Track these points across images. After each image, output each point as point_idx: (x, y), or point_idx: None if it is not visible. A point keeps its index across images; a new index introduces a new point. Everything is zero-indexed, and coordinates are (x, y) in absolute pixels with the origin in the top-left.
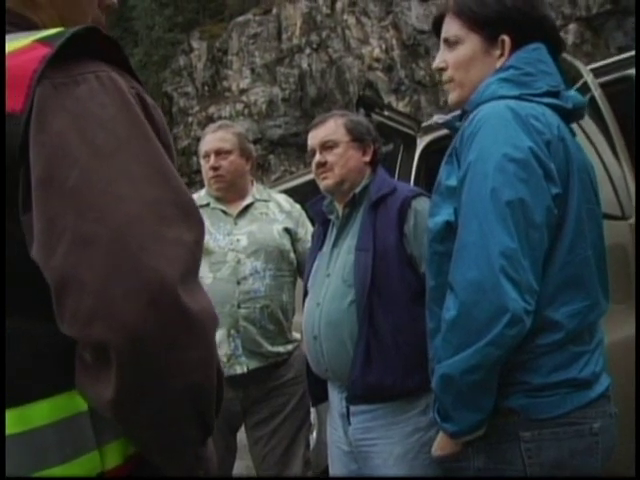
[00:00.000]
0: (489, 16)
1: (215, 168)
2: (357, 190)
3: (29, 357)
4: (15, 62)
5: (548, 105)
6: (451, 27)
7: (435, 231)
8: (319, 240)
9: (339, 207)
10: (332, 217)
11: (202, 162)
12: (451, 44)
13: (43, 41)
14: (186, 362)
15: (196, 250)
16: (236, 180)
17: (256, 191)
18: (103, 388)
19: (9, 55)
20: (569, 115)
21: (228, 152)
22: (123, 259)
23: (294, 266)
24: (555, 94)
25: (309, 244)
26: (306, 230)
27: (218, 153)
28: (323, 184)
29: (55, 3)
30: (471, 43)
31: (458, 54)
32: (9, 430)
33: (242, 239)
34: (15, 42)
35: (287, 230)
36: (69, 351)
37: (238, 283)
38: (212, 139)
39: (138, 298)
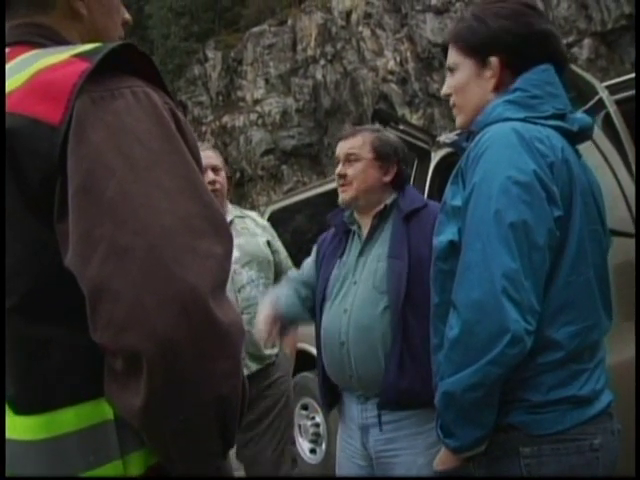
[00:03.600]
0: (478, 41)
1: (214, 182)
2: (388, 202)
3: (58, 364)
4: (54, 75)
5: (553, 127)
6: (450, 55)
7: (439, 249)
8: (338, 249)
9: (361, 218)
10: (354, 228)
11: None
12: (451, 71)
13: (81, 56)
14: (215, 373)
15: (226, 263)
16: (225, 196)
17: (231, 209)
18: (132, 396)
19: (47, 69)
20: (575, 137)
21: (220, 169)
22: (157, 270)
23: (274, 274)
24: (561, 116)
25: (282, 255)
26: (277, 240)
27: (214, 169)
28: (340, 197)
29: (93, 15)
30: (465, 68)
31: (456, 80)
32: (35, 436)
33: (234, 251)
34: (52, 56)
35: (268, 243)
36: (97, 359)
37: (238, 291)
38: (206, 156)
39: (171, 308)
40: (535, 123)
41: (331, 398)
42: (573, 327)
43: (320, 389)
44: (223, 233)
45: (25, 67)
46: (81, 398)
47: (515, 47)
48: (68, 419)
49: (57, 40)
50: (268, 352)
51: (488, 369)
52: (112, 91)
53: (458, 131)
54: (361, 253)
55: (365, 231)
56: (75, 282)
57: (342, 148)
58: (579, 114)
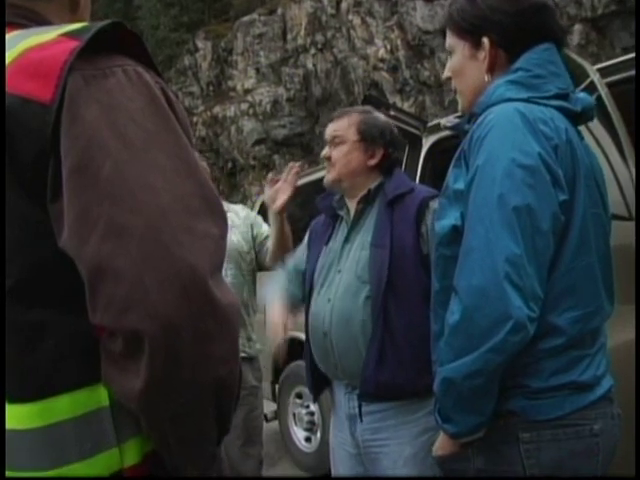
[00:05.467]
0: (468, 21)
1: None
2: (372, 186)
3: (53, 350)
4: (43, 54)
5: (557, 108)
6: (447, 38)
7: (442, 235)
8: (325, 233)
9: (349, 203)
10: (342, 213)
11: None
12: (450, 54)
13: (69, 35)
14: (214, 355)
15: (222, 244)
16: None
17: None
18: (132, 379)
19: (35, 47)
20: (578, 117)
21: None
22: (156, 250)
23: (253, 265)
24: (564, 96)
25: (266, 234)
26: (260, 225)
27: None
28: (325, 178)
29: (84, 9)
30: (460, 51)
31: (452, 63)
32: (29, 424)
33: None
34: (39, 35)
35: (245, 234)
36: (92, 345)
37: None
38: None
39: (172, 288)
40: (538, 103)
41: (318, 385)
42: (575, 312)
43: (307, 376)
44: (218, 214)
45: (12, 46)
46: (76, 385)
47: (505, 25)
48: (63, 406)
49: (41, 23)
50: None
51: (489, 356)
52: (104, 70)
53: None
54: (346, 240)
55: (351, 210)
56: (69, 265)
57: (329, 129)
58: (581, 94)
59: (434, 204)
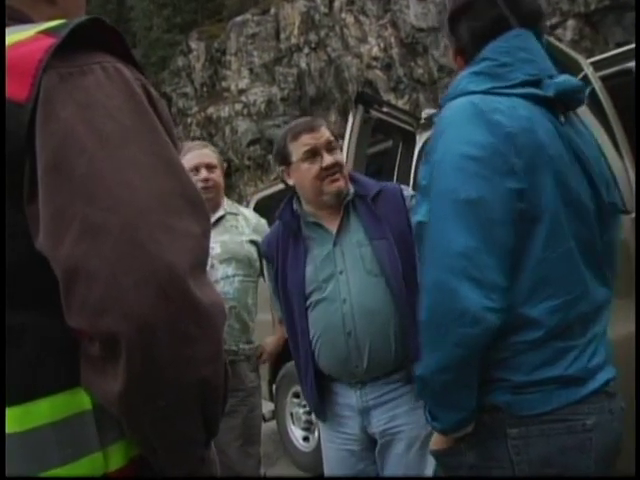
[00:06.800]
0: (445, 26)
1: (207, 180)
2: (351, 190)
3: (33, 353)
4: (19, 52)
5: (521, 95)
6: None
7: (415, 231)
8: (299, 245)
9: (316, 211)
10: (310, 219)
11: None
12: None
13: (47, 32)
14: (195, 356)
15: (204, 243)
16: (220, 192)
17: (227, 205)
18: (110, 382)
19: (12, 46)
20: (553, 103)
21: (215, 167)
22: (133, 249)
23: (257, 272)
24: (534, 83)
25: None
26: None
27: (208, 167)
28: (336, 186)
29: (67, 3)
30: (451, 50)
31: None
32: (9, 429)
33: (216, 247)
34: (17, 34)
35: (253, 242)
36: (73, 348)
37: None
38: (201, 154)
39: (148, 288)
40: (499, 94)
41: (321, 402)
42: (552, 302)
43: (310, 395)
44: (200, 212)
45: None
46: (56, 388)
47: (470, 21)
48: (43, 411)
49: (23, 21)
50: (237, 348)
51: (453, 351)
52: (81, 67)
53: None
54: (335, 243)
55: (328, 222)
56: (47, 267)
57: (322, 137)
58: (563, 77)
59: (407, 192)
